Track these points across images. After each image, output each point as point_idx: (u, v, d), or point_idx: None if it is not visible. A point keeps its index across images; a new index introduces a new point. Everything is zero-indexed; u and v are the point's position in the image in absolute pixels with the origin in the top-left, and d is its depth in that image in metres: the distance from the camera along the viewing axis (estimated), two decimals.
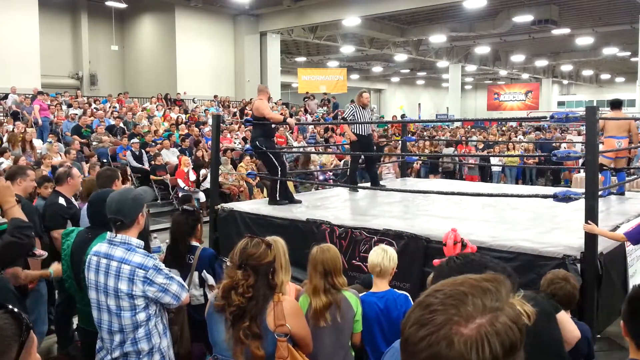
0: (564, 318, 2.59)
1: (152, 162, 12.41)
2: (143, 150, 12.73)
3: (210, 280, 3.46)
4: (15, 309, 1.20)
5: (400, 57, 31.59)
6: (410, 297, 3.20)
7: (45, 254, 4.00)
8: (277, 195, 7.20)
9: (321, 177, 13.35)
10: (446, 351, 0.83)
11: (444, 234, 4.36)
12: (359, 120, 8.09)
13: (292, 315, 2.41)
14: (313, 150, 14.06)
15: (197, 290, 3.51)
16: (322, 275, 2.93)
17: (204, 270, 3.50)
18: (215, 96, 21.05)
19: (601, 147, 7.36)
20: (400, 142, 12.05)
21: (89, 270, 2.75)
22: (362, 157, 8.66)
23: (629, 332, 1.91)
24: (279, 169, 7.19)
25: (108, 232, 2.76)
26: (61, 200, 4.57)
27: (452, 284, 0.91)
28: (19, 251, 2.70)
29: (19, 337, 1.17)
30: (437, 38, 25.81)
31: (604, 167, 7.56)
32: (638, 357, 1.86)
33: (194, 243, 3.63)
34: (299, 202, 7.36)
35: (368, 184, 8.83)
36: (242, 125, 16.21)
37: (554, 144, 14.01)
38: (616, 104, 8.23)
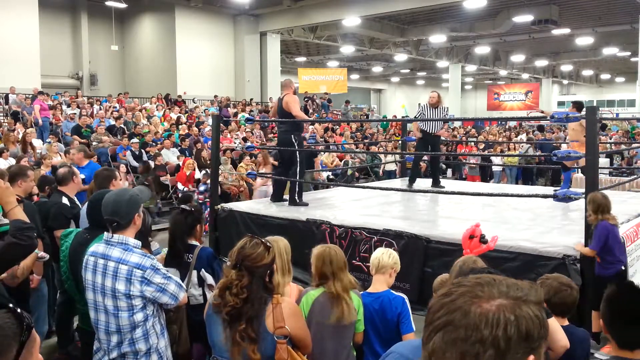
0: (554, 326, 2.57)
1: (152, 162, 12.41)
2: (143, 150, 12.74)
3: (209, 279, 3.45)
4: (18, 309, 1.20)
5: (400, 57, 31.58)
6: (407, 300, 3.19)
7: (46, 256, 3.99)
8: (297, 195, 7.11)
9: (324, 176, 13.37)
10: (459, 319, 0.85)
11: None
12: (426, 118, 8.32)
13: (291, 317, 2.40)
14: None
15: (196, 289, 3.49)
16: (336, 275, 2.93)
17: (203, 270, 3.48)
18: (215, 96, 21.05)
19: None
20: (400, 142, 12.03)
21: (86, 270, 2.75)
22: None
23: (609, 332, 2.01)
24: (298, 167, 7.05)
25: (105, 233, 2.76)
26: (64, 200, 4.57)
27: (488, 274, 0.95)
28: (21, 252, 2.70)
29: (20, 337, 1.16)
30: (437, 38, 25.80)
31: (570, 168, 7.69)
32: (620, 354, 1.95)
33: (194, 242, 3.61)
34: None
35: (380, 183, 8.86)
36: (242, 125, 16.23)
37: (554, 144, 14.01)
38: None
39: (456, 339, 0.84)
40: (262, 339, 2.32)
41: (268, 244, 2.44)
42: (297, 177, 7.09)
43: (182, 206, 3.74)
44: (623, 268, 4.33)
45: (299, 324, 2.47)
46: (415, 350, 1.60)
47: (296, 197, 7.11)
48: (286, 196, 7.36)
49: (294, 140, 7.01)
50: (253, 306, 2.32)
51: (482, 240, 4.09)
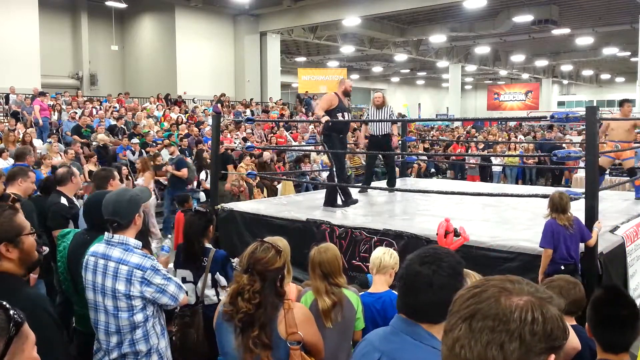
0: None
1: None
2: (143, 150, 12.73)
3: (223, 282, 3.48)
4: (8, 306, 1.19)
5: (400, 57, 31.59)
6: None
7: (46, 249, 4.01)
8: (333, 199, 6.97)
9: (324, 176, 13.34)
10: (488, 309, 0.87)
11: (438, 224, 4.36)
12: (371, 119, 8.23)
13: (303, 323, 2.37)
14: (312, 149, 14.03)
15: (209, 290, 3.54)
16: (321, 277, 2.92)
17: (217, 273, 3.52)
18: (215, 96, 21.05)
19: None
20: (399, 142, 12.01)
21: (87, 270, 2.75)
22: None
23: (594, 335, 2.04)
24: (334, 168, 6.93)
25: (106, 233, 2.75)
26: (63, 200, 4.56)
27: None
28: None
29: (7, 332, 1.15)
30: (437, 38, 25.81)
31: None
32: (604, 357, 1.98)
33: (207, 245, 3.64)
34: (355, 201, 7.06)
35: (379, 184, 8.82)
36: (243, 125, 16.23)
37: (555, 144, 14.01)
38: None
39: (484, 327, 0.86)
40: (275, 346, 2.28)
41: (279, 248, 2.41)
42: (336, 180, 6.93)
43: (197, 208, 3.76)
44: (562, 268, 4.27)
45: (312, 330, 2.43)
46: (381, 338, 1.60)
47: (335, 199, 6.96)
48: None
49: (319, 139, 7.10)
50: (266, 311, 2.28)
51: (456, 234, 4.16)
